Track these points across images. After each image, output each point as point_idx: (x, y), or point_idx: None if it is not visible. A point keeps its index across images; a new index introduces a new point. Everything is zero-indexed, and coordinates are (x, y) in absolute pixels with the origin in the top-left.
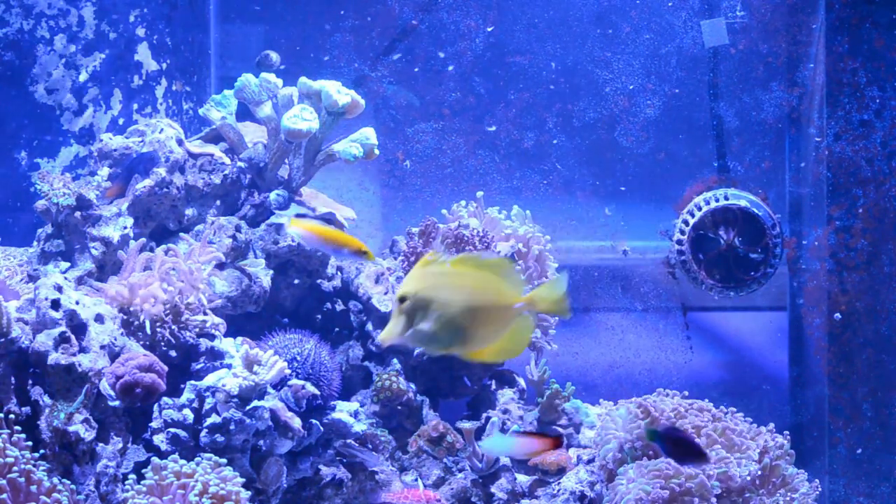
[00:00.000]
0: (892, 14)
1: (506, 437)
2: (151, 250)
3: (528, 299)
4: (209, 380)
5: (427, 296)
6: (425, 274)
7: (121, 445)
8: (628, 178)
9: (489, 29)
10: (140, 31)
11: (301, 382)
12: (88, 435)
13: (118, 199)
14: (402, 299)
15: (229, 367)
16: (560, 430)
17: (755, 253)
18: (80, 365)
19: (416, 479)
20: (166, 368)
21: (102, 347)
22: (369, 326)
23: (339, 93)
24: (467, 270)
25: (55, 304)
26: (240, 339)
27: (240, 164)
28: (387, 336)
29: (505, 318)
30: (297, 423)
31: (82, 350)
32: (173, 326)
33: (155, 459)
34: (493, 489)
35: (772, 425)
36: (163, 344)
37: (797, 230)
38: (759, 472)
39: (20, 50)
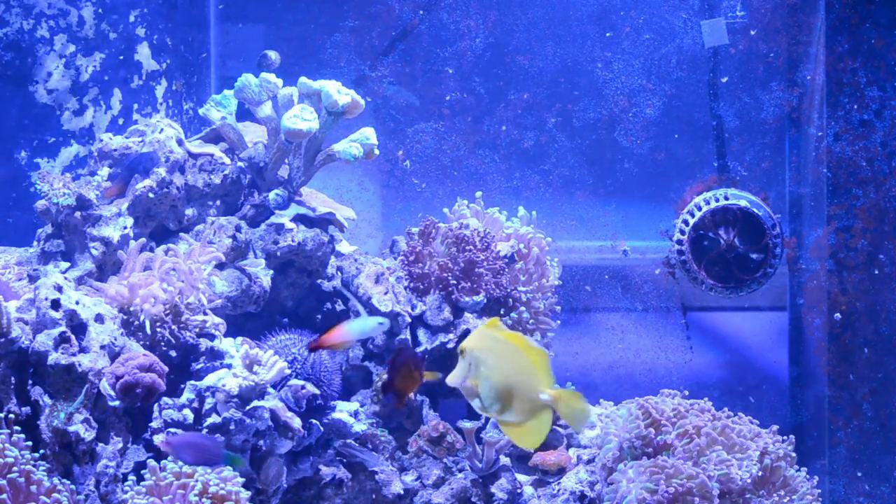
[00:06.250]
0: (893, 14)
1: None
2: (151, 250)
3: (553, 395)
4: (209, 380)
5: (479, 356)
6: (484, 336)
7: (121, 445)
8: (628, 178)
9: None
10: (140, 31)
11: (301, 382)
12: (88, 435)
13: (118, 199)
14: (461, 351)
15: (229, 367)
16: (560, 430)
17: (755, 253)
18: (80, 365)
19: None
20: (166, 368)
21: (102, 347)
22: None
23: (339, 93)
24: (516, 346)
25: (55, 304)
26: (240, 339)
27: (240, 164)
28: (451, 379)
29: (530, 404)
30: (297, 423)
31: (82, 350)
32: (173, 326)
33: (151, 462)
34: (493, 489)
35: (775, 427)
36: (163, 344)
37: (797, 230)
38: (760, 473)
39: (20, 50)
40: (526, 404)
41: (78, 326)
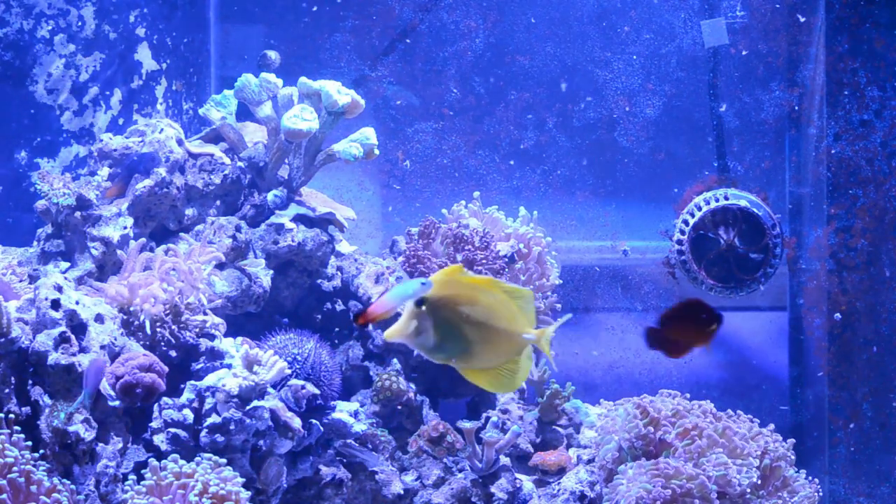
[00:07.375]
0: (893, 14)
1: None
2: (151, 250)
3: (538, 334)
4: (209, 380)
5: (444, 303)
6: (448, 282)
7: (121, 445)
8: (628, 178)
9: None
10: (140, 31)
11: (301, 382)
12: (88, 435)
13: (118, 199)
14: (418, 302)
15: (229, 367)
16: (560, 430)
17: (755, 253)
18: (80, 365)
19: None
20: (166, 368)
21: (102, 347)
22: (369, 326)
23: (339, 93)
24: (489, 290)
25: (55, 304)
26: (240, 339)
27: (240, 164)
28: (393, 334)
29: (510, 346)
30: (297, 423)
31: (82, 350)
32: (173, 326)
33: (152, 461)
34: (493, 489)
35: (772, 426)
36: (163, 344)
37: (797, 230)
38: (759, 475)
39: (20, 50)
40: (503, 346)
41: (78, 326)
